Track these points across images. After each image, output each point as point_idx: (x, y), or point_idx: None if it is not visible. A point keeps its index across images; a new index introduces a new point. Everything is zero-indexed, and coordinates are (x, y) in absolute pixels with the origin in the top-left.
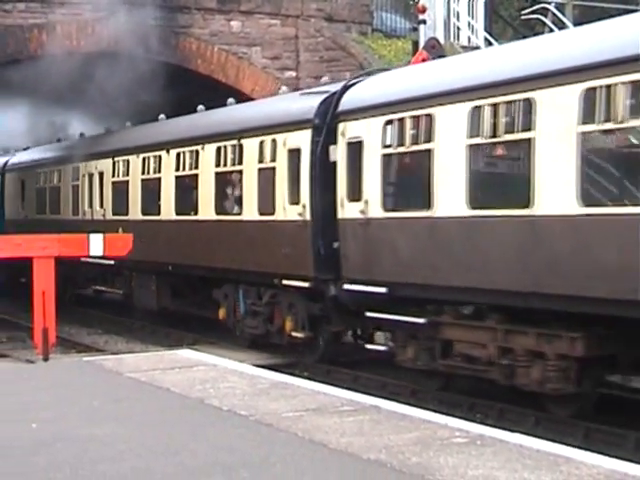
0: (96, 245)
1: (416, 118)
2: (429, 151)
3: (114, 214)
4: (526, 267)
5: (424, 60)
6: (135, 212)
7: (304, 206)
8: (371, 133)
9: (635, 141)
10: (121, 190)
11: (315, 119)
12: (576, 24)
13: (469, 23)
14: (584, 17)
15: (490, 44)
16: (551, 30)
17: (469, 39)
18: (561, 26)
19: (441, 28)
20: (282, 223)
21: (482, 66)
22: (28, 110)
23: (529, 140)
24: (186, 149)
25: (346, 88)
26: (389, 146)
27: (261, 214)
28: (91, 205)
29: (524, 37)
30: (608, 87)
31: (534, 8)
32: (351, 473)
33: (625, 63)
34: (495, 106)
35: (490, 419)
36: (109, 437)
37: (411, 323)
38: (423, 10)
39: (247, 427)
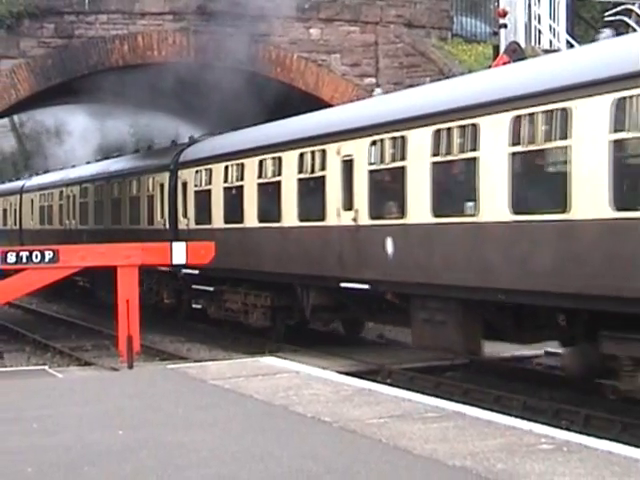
0: (179, 254)
1: (208, 170)
2: (209, 191)
3: (81, 224)
4: (243, 254)
5: (505, 64)
6: (92, 223)
7: (165, 219)
8: (190, 177)
9: None
10: (84, 208)
11: (170, 165)
12: None
13: (550, 26)
14: None
15: (572, 47)
16: (635, 31)
17: (550, 42)
18: None
19: (522, 32)
20: (158, 230)
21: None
22: (120, 116)
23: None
24: (118, 180)
25: (188, 146)
26: (197, 185)
27: (148, 224)
28: (68, 218)
29: None
30: None
31: (617, 9)
32: (436, 479)
33: None
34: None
35: (575, 426)
36: (194, 444)
37: (208, 291)
38: (504, 14)
39: (331, 434)
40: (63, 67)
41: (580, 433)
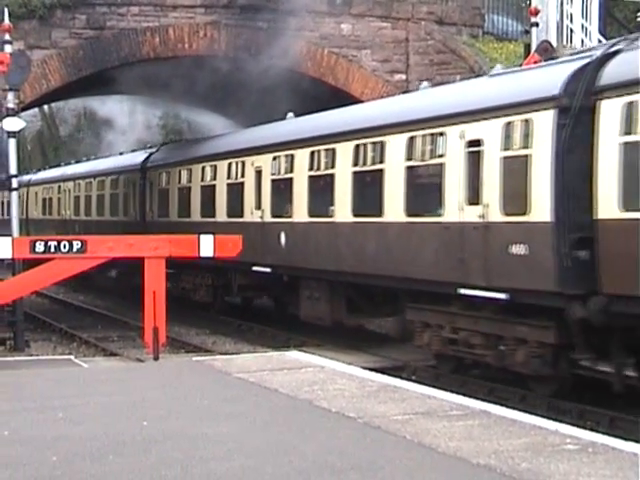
0: (206, 246)
1: (168, 172)
2: (168, 190)
3: (74, 215)
4: None
5: (536, 62)
6: (83, 214)
7: (136, 212)
8: (154, 178)
9: None
10: (77, 202)
11: (140, 167)
12: None
13: (582, 25)
14: None
15: None
16: None
17: (582, 42)
18: None
19: (554, 31)
20: (131, 221)
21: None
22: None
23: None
24: (102, 177)
25: (157, 151)
26: (159, 185)
27: (124, 216)
28: (64, 209)
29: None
30: None
31: None
32: (460, 477)
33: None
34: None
35: (601, 427)
36: (219, 436)
37: (169, 272)
38: (536, 12)
39: (356, 429)
40: (94, 58)
41: (606, 434)
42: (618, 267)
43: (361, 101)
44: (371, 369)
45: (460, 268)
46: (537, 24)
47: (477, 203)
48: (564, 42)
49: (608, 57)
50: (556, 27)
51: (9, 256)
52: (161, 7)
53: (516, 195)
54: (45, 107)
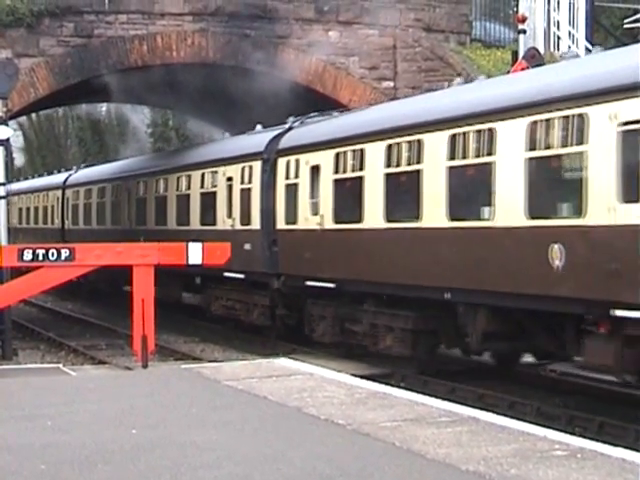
0: (195, 254)
1: (78, 191)
2: (78, 204)
3: (19, 224)
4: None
5: (523, 69)
6: (24, 223)
7: (58, 221)
8: (71, 195)
9: None
10: (21, 212)
11: (62, 185)
12: None
13: (570, 32)
14: None
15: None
16: None
17: (569, 48)
18: None
19: (541, 37)
20: (54, 228)
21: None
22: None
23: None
24: (37, 193)
25: (75, 172)
26: (73, 200)
27: (50, 225)
28: (12, 219)
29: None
30: None
31: (637, 17)
32: None
33: None
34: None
35: (589, 433)
36: (208, 444)
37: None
38: (523, 20)
39: (344, 436)
40: (82, 66)
41: (594, 440)
42: (286, 258)
43: (349, 108)
44: (360, 376)
45: None
46: (524, 31)
47: (230, 216)
48: (551, 49)
49: (288, 130)
50: (543, 34)
51: None
52: (149, 15)
53: (246, 212)
54: (33, 115)
